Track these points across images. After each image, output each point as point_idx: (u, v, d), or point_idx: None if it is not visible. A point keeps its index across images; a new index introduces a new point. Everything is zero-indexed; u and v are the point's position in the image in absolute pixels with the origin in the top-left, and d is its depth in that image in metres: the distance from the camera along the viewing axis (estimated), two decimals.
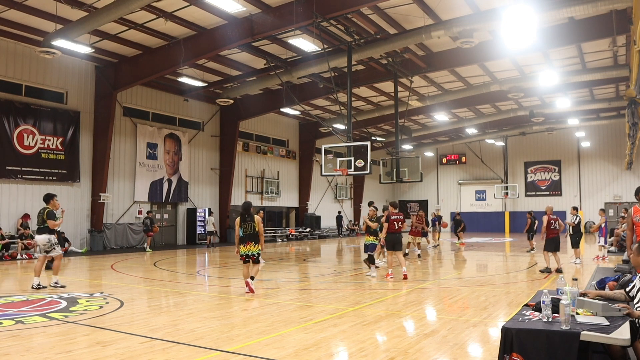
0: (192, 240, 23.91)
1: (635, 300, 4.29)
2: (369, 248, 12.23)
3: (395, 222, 11.24)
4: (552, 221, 12.52)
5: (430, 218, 23.32)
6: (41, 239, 10.06)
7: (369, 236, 12.32)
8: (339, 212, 35.26)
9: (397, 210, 11.44)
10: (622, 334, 3.51)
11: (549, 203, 36.80)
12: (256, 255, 9.34)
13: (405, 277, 11.15)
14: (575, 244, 15.00)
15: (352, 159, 15.15)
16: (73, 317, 7.15)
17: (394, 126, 22.89)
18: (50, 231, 10.02)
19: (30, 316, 7.19)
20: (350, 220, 37.21)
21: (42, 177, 18.31)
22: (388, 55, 19.10)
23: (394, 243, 11.26)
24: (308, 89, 23.13)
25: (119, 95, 20.43)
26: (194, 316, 7.31)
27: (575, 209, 15.92)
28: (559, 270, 12.13)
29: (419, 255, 16.94)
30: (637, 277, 4.51)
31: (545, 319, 3.85)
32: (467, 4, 15.11)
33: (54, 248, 10.12)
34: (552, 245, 12.44)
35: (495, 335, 5.96)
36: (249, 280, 9.26)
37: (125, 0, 13.34)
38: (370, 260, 12.17)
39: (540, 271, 12.47)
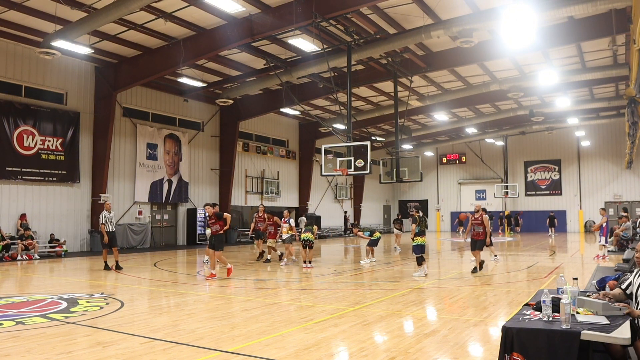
0: (192, 240, 23.91)
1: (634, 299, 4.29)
2: (415, 250, 12.01)
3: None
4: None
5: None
6: (207, 232, 13.90)
7: (418, 237, 12.04)
8: (346, 212, 36.04)
9: (210, 215, 11.89)
10: (623, 333, 3.51)
11: (549, 202, 36.99)
12: (312, 241, 14.03)
13: (210, 277, 11.39)
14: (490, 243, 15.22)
15: (352, 159, 15.15)
16: (73, 317, 7.15)
17: (394, 126, 22.88)
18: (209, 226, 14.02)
19: (31, 317, 7.19)
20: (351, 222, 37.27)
21: (42, 178, 18.31)
22: (388, 55, 19.10)
23: (214, 243, 11.64)
24: (308, 89, 23.13)
25: (118, 95, 20.43)
26: (194, 316, 7.31)
27: (484, 210, 16.06)
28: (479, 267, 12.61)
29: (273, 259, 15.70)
30: (634, 274, 4.50)
31: (545, 319, 3.85)
32: (467, 3, 15.11)
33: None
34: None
35: (496, 334, 5.96)
36: (306, 262, 13.82)
37: (124, 1, 13.34)
38: (418, 262, 12.01)
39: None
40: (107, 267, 13.36)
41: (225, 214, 12.09)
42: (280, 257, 15.25)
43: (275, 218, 15.64)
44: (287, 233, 14.98)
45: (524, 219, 35.80)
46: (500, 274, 12.74)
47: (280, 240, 15.50)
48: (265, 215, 15.77)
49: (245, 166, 27.96)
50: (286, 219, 15.18)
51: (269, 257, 15.48)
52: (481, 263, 12.61)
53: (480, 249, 12.54)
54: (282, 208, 30.87)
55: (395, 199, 43.89)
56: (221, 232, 11.76)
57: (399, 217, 23.26)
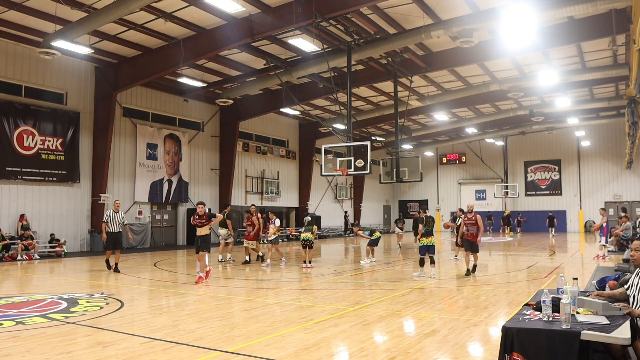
0: (193, 240, 23.83)
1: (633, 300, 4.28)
2: (421, 250, 11.83)
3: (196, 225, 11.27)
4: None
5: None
6: (224, 232, 15.14)
7: (423, 238, 11.82)
8: (346, 212, 36.20)
9: (201, 214, 11.24)
10: (623, 333, 3.51)
11: (549, 202, 36.98)
12: (311, 241, 14.04)
13: (199, 280, 10.89)
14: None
15: (352, 159, 15.15)
16: (73, 317, 7.15)
17: (394, 126, 22.89)
18: (226, 226, 14.99)
19: (31, 317, 7.19)
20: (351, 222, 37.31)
21: (42, 178, 18.31)
22: (388, 55, 19.10)
23: (201, 244, 11.12)
24: (308, 89, 23.13)
25: (118, 95, 20.43)
26: (194, 316, 7.31)
27: (461, 210, 16.45)
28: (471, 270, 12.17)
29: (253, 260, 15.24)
30: (634, 274, 4.49)
31: (545, 319, 3.85)
32: (467, 3, 15.11)
33: (230, 236, 15.14)
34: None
35: (496, 334, 5.96)
36: (306, 262, 13.86)
37: (124, 1, 13.34)
38: (420, 262, 11.88)
39: None
40: (108, 266, 13.16)
41: (218, 214, 11.88)
42: (260, 258, 15.27)
43: (254, 218, 15.13)
44: (274, 234, 14.85)
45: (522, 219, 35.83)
46: (500, 274, 12.75)
47: (268, 241, 15.22)
48: (258, 215, 15.49)
49: (245, 166, 27.96)
50: (272, 220, 15.00)
51: (261, 253, 15.32)
52: (467, 270, 12.14)
53: (476, 250, 12.06)
54: (282, 208, 31.07)
55: (395, 199, 43.89)
56: (209, 232, 11.29)
57: (401, 217, 23.32)
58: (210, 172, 25.79)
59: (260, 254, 15.52)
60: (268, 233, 15.14)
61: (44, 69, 18.52)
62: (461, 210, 16.57)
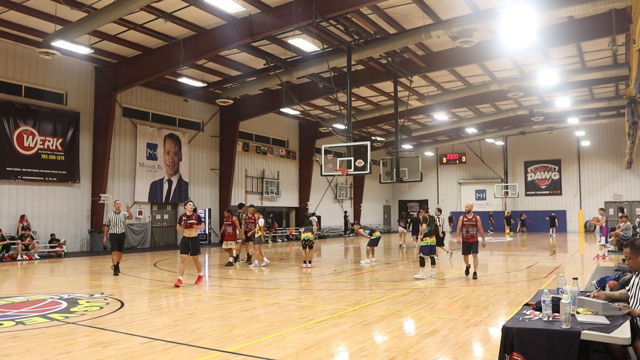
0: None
1: (633, 299, 4.28)
2: (423, 250, 11.70)
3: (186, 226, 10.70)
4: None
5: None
6: (237, 233, 14.97)
7: (426, 237, 11.72)
8: (346, 212, 36.16)
9: (189, 214, 10.75)
10: (623, 333, 3.51)
11: (549, 202, 36.99)
12: (312, 241, 14.09)
13: (199, 280, 10.82)
14: (440, 242, 15.66)
15: (352, 159, 15.15)
16: (73, 317, 7.15)
17: (394, 126, 22.90)
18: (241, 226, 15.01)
19: (31, 317, 7.20)
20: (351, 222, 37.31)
21: (42, 178, 18.32)
22: (388, 55, 19.10)
23: (192, 247, 10.69)
24: (308, 89, 23.13)
25: (118, 95, 20.43)
26: (194, 316, 7.32)
27: (439, 210, 16.65)
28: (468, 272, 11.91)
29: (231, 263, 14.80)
30: (636, 274, 4.49)
31: (545, 318, 3.85)
32: (467, 3, 15.11)
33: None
34: None
35: (496, 334, 5.96)
36: (306, 262, 13.95)
37: (124, 1, 13.35)
38: (421, 262, 11.70)
39: None
40: (115, 272, 12.56)
41: (201, 224, 11.14)
42: (237, 258, 14.90)
43: (234, 218, 14.78)
44: (257, 233, 14.42)
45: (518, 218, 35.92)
46: (500, 274, 12.75)
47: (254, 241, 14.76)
48: (256, 216, 14.91)
49: (245, 166, 27.95)
50: (257, 219, 14.67)
51: (230, 259, 14.68)
52: (467, 269, 11.97)
53: (476, 251, 11.69)
54: (282, 208, 31.06)
55: (395, 199, 43.88)
56: (197, 234, 10.86)
57: (403, 215, 23.38)
58: (210, 172, 25.78)
59: (231, 259, 14.70)
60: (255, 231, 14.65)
61: (44, 69, 18.52)
62: (439, 210, 16.56)
